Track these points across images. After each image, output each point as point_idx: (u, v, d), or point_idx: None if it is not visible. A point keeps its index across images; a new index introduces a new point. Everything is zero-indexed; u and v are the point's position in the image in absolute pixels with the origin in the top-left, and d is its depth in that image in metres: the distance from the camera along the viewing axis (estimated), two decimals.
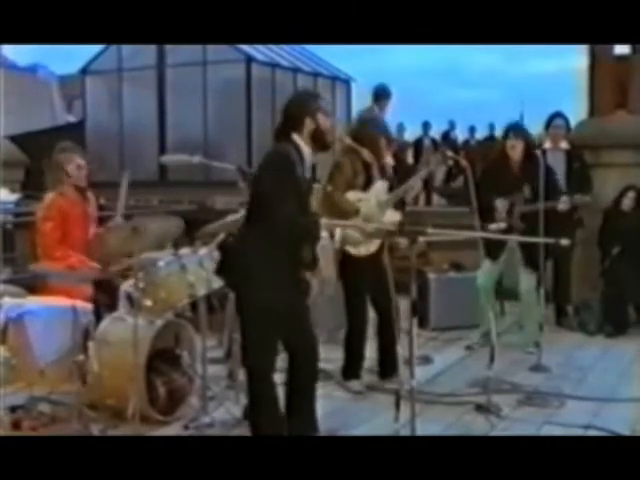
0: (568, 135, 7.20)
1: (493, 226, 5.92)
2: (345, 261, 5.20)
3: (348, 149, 5.24)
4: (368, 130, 5.31)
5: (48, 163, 5.19)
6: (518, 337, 6.40)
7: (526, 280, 6.21)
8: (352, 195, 5.16)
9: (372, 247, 5.18)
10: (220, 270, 4.18)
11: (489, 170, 6.28)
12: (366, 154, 5.19)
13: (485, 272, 6.33)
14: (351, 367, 5.31)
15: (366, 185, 5.21)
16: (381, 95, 8.10)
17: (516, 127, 6.35)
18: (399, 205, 5.34)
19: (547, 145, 6.87)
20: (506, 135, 6.24)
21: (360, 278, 5.20)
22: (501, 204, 5.96)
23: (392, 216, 5.24)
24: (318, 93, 4.28)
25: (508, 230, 5.94)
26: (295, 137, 3.84)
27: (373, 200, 5.18)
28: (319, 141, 3.89)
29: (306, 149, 3.86)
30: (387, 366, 5.25)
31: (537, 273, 6.13)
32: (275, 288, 3.76)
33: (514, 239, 6.01)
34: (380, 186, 5.25)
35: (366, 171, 5.21)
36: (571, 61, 11.04)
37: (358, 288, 5.24)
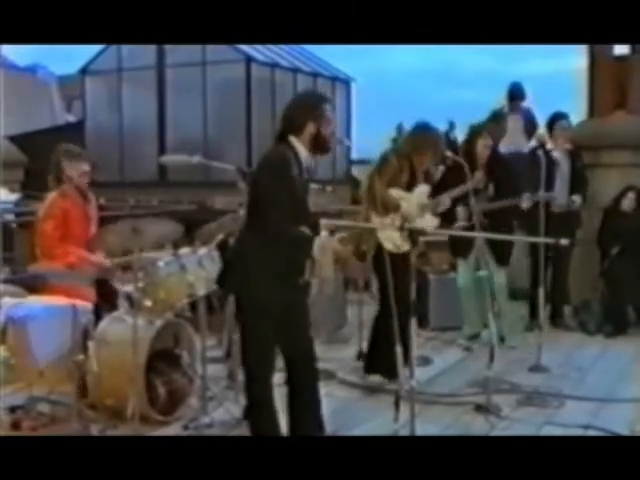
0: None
1: (456, 225, 5.97)
2: (379, 256, 5.19)
3: (401, 149, 5.33)
4: (421, 135, 5.35)
5: (52, 161, 5.16)
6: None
7: (497, 276, 6.23)
8: (395, 192, 5.21)
9: (407, 245, 5.16)
10: (222, 273, 4.16)
11: (456, 171, 6.24)
12: (415, 156, 5.26)
13: (461, 273, 6.37)
14: (376, 362, 5.31)
15: (409, 187, 5.28)
16: (514, 96, 8.10)
17: (487, 127, 6.38)
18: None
19: (550, 145, 6.88)
20: (477, 134, 6.25)
21: (395, 273, 5.19)
22: (461, 211, 6.03)
23: (431, 220, 5.35)
24: (323, 95, 4.22)
25: (471, 227, 5.98)
26: (292, 140, 3.81)
27: (414, 201, 5.23)
28: (320, 146, 3.85)
29: (303, 151, 3.83)
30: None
31: (506, 269, 6.30)
32: (273, 290, 3.76)
33: (514, 239, 6.03)
34: (423, 190, 5.35)
35: (411, 173, 5.27)
36: (570, 62, 11.03)
37: (388, 284, 5.23)
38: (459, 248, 6.28)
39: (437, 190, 5.76)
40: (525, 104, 8.75)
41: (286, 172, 3.73)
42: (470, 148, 6.24)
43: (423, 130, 5.40)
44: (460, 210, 6.03)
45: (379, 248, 5.16)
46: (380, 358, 5.29)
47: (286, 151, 3.78)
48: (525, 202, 6.05)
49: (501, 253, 6.18)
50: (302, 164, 3.82)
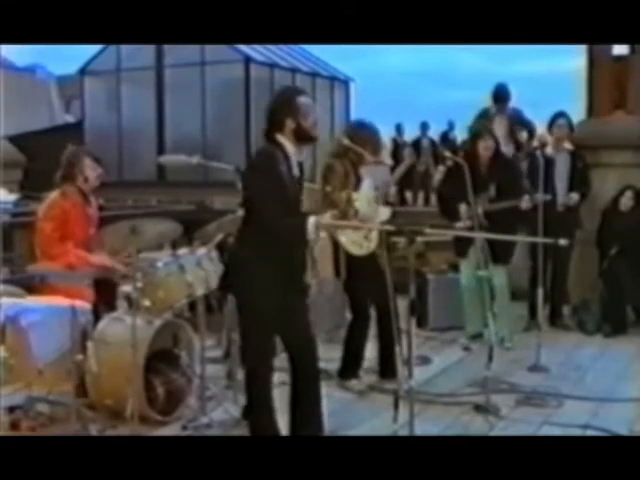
0: (569, 135, 7.20)
1: (459, 224, 5.99)
2: (348, 260, 5.21)
3: (338, 151, 5.29)
4: (356, 132, 5.35)
5: (65, 159, 5.13)
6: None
7: (497, 276, 6.22)
8: (346, 195, 5.20)
9: (372, 245, 5.21)
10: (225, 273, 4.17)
11: (456, 171, 6.23)
12: (352, 155, 5.23)
13: (463, 272, 6.39)
14: (349, 368, 5.31)
15: (355, 185, 5.26)
16: (498, 97, 8.16)
17: (488, 128, 6.41)
18: (387, 202, 5.47)
19: (550, 145, 6.88)
20: (478, 136, 6.27)
21: (362, 276, 5.21)
22: (464, 209, 6.05)
23: (384, 212, 5.34)
24: (297, 88, 4.28)
25: (473, 228, 5.98)
26: (279, 137, 3.86)
27: (364, 199, 5.23)
28: (303, 138, 3.90)
29: (291, 148, 3.87)
30: (387, 365, 5.26)
31: (507, 269, 6.32)
32: (273, 289, 3.76)
33: (512, 239, 6.03)
34: (367, 184, 5.32)
35: (355, 172, 5.26)
36: (568, 62, 11.05)
37: (360, 287, 5.25)
38: (459, 247, 6.32)
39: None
40: (511, 105, 8.74)
41: (270, 167, 3.77)
42: (472, 149, 6.25)
43: (355, 127, 5.43)
44: (463, 208, 6.04)
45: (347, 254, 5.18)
46: (355, 361, 5.35)
47: (272, 149, 3.84)
48: (524, 203, 6.05)
49: (500, 253, 6.17)
50: (290, 160, 3.85)
